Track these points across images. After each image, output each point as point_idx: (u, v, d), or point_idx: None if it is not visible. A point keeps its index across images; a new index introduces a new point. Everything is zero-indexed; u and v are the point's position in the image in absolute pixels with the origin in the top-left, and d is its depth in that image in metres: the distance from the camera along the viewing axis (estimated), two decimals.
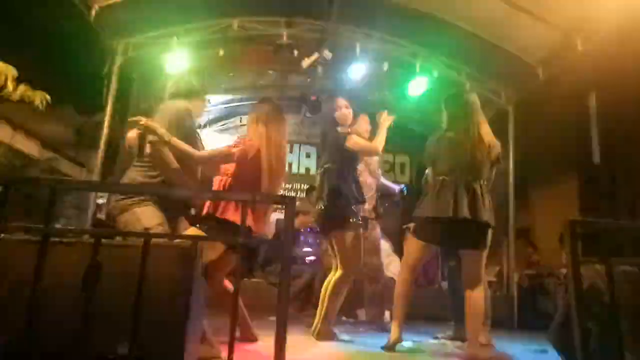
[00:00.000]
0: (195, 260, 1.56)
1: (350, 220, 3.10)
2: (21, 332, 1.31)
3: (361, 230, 3.22)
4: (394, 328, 2.78)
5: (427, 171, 3.01)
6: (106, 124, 5.11)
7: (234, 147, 2.59)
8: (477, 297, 2.73)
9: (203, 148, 2.63)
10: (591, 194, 7.59)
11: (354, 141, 3.16)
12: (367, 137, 3.99)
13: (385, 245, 5.00)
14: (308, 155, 8.20)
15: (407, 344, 2.99)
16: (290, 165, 8.28)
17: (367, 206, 3.82)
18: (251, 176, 2.57)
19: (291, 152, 8.74)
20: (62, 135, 6.87)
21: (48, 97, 3.88)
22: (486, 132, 2.85)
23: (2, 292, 1.47)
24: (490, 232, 2.76)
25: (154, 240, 1.61)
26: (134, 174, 2.41)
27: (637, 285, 1.72)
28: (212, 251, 2.46)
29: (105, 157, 5.19)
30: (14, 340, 1.33)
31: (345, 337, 3.13)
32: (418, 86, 5.92)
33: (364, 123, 3.98)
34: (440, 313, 4.79)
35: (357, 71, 5.75)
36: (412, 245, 2.90)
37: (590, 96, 6.82)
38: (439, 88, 5.63)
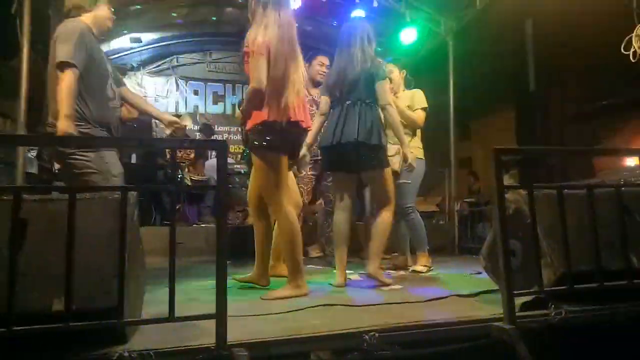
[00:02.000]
0: (128, 211, 1.52)
1: None
2: None
3: None
4: (338, 271, 2.79)
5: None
6: (24, 68, 4.68)
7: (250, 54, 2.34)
8: (382, 221, 2.80)
9: (112, 76, 2.56)
10: (528, 122, 7.95)
11: None
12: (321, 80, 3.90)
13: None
14: None
15: (354, 276, 3.11)
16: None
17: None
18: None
19: (234, 94, 8.49)
20: None
21: None
22: (369, 52, 2.89)
23: None
24: (377, 151, 2.78)
25: (83, 194, 1.57)
26: None
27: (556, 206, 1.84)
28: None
29: (30, 107, 4.81)
30: None
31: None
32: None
33: (316, 65, 3.85)
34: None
35: (294, 3, 5.51)
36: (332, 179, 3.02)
37: (527, 23, 6.94)
38: (378, 18, 5.54)
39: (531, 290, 1.76)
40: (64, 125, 2.29)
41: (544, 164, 7.11)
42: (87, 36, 2.45)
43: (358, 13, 5.80)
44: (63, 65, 2.34)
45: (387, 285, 2.69)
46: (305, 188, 3.92)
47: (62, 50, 2.37)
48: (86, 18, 2.54)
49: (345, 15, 5.95)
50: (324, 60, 3.87)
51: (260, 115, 2.35)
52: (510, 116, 8.25)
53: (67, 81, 2.34)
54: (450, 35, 5.90)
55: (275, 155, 2.40)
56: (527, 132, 7.94)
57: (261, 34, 2.35)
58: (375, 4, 5.65)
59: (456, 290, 2.38)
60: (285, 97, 2.36)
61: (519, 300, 1.74)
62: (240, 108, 2.59)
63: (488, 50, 6.32)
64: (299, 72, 2.46)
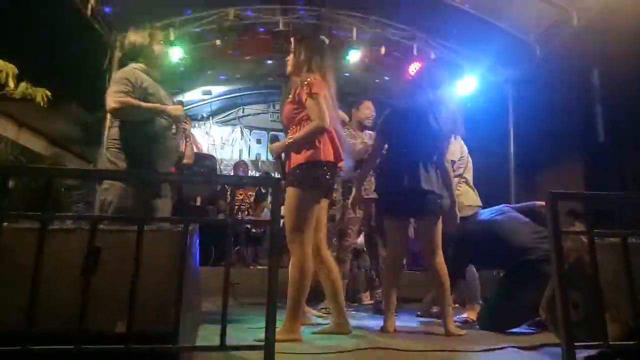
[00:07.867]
0: (188, 242, 1.62)
1: None
2: (23, 315, 1.38)
3: None
4: (387, 316, 2.72)
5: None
6: (108, 118, 5.19)
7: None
8: (436, 266, 2.73)
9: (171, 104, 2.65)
10: (598, 174, 7.55)
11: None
12: (369, 124, 4.01)
13: None
14: None
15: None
16: None
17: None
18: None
19: None
20: (69, 132, 6.95)
21: (48, 93, 3.92)
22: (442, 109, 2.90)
23: (5, 277, 1.55)
24: (436, 200, 2.77)
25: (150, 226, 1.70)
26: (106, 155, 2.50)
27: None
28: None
29: None
30: (17, 322, 1.40)
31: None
32: (415, 69, 5.92)
33: (365, 109, 3.98)
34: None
35: (354, 56, 5.76)
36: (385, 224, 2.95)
37: (593, 73, 6.74)
38: (436, 70, 5.62)
39: (594, 343, 1.64)
40: (172, 109, 2.50)
41: (617, 220, 6.66)
42: (134, 75, 2.52)
43: (416, 66, 5.94)
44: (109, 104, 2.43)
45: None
46: (354, 229, 3.87)
47: (108, 94, 2.46)
48: (138, 65, 2.61)
49: (402, 68, 6.12)
50: (370, 105, 4.03)
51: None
52: (578, 167, 7.88)
53: (122, 102, 2.42)
54: (510, 85, 5.87)
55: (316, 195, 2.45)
56: (597, 183, 7.53)
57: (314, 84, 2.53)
58: (432, 57, 5.77)
59: (514, 342, 2.26)
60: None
61: (581, 355, 1.63)
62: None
63: (550, 100, 6.18)
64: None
